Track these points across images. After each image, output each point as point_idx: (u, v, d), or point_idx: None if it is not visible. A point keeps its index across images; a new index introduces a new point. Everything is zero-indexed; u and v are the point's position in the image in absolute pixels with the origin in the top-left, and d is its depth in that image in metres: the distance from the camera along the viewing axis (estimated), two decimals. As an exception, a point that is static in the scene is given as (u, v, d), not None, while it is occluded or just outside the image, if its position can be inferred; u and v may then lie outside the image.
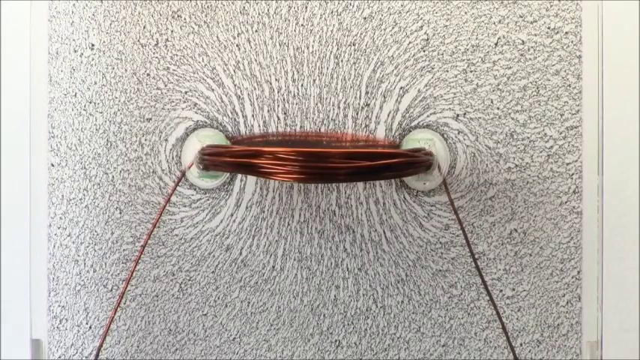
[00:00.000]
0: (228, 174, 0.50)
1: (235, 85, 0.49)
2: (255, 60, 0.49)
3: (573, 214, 0.49)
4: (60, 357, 0.50)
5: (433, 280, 0.50)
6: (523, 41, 0.49)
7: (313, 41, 0.49)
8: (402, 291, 0.50)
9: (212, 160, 0.45)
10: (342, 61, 0.49)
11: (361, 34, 0.49)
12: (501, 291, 0.50)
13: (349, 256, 0.50)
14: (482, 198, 0.49)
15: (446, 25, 0.49)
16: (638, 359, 0.49)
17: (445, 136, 0.49)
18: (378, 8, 0.49)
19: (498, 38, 0.49)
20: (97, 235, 0.50)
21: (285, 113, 0.49)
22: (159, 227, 0.50)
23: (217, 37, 0.49)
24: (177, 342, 0.51)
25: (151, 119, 0.49)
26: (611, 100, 0.48)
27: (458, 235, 0.50)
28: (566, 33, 0.49)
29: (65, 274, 0.50)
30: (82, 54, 0.49)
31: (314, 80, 0.49)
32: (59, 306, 0.50)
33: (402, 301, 0.50)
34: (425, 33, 0.49)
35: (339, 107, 0.49)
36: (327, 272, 0.50)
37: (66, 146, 0.49)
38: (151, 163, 0.50)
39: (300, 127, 0.49)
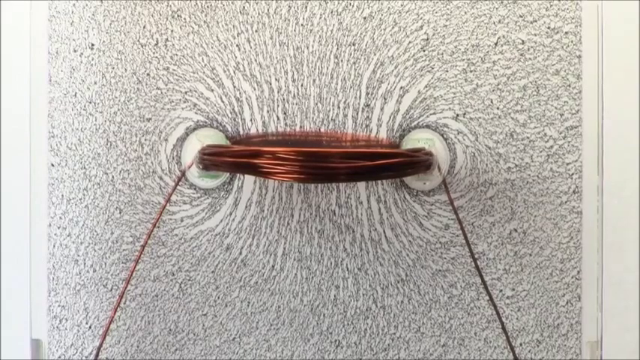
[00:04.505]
0: (228, 174, 0.50)
1: (235, 86, 0.49)
2: (255, 60, 0.49)
3: (573, 214, 0.49)
4: (60, 357, 0.50)
5: (433, 280, 0.50)
6: (523, 41, 0.49)
7: (313, 41, 0.49)
8: (402, 291, 0.50)
9: (212, 160, 0.45)
10: (341, 60, 0.49)
11: (361, 33, 0.49)
12: (501, 291, 0.50)
13: (349, 256, 0.50)
14: (482, 198, 0.49)
15: (446, 25, 0.49)
16: (638, 359, 0.49)
17: (445, 136, 0.49)
18: (377, 8, 0.49)
19: (498, 38, 0.49)
20: (97, 234, 0.50)
21: (285, 113, 0.49)
22: (159, 227, 0.50)
23: (217, 37, 0.49)
24: (177, 342, 0.51)
25: (150, 119, 0.50)
26: (611, 100, 0.48)
27: (458, 235, 0.50)
28: (566, 33, 0.49)
29: (65, 274, 0.50)
30: (82, 54, 0.49)
31: (314, 80, 0.49)
32: (59, 306, 0.50)
33: (402, 301, 0.50)
34: (425, 33, 0.49)
35: (338, 107, 0.49)
36: (326, 272, 0.50)
37: (66, 146, 0.49)
38: (151, 162, 0.50)
39: (300, 126, 0.49)
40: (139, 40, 0.49)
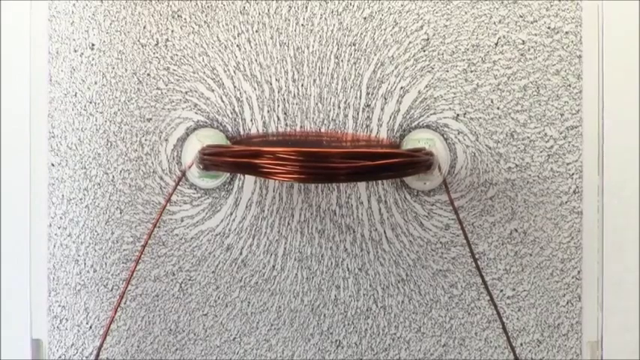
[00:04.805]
0: (229, 174, 0.50)
1: (235, 86, 0.49)
2: (256, 60, 0.49)
3: (573, 214, 0.49)
4: (60, 357, 0.50)
5: (433, 280, 0.50)
6: (523, 41, 0.49)
7: (313, 41, 0.49)
8: (403, 291, 0.50)
9: (212, 160, 0.45)
10: (342, 61, 0.49)
11: (361, 34, 0.49)
12: (502, 291, 0.50)
13: (349, 256, 0.50)
14: (482, 198, 0.49)
15: (446, 25, 0.49)
16: (638, 359, 0.49)
17: (445, 136, 0.49)
18: (378, 8, 0.49)
19: (498, 38, 0.49)
20: (98, 234, 0.50)
21: (285, 113, 0.49)
22: (159, 227, 0.50)
23: (217, 37, 0.49)
24: (178, 342, 0.51)
25: (151, 119, 0.49)
26: (611, 99, 0.48)
27: (458, 235, 0.50)
28: (567, 33, 0.49)
29: (65, 274, 0.50)
30: (82, 54, 0.49)
31: (314, 80, 0.49)
32: (59, 306, 0.50)
33: (403, 301, 0.50)
34: (425, 33, 0.49)
35: (339, 107, 0.49)
36: (327, 272, 0.50)
37: (66, 146, 0.49)
38: (152, 163, 0.50)
39: (301, 127, 0.49)
40: (139, 40, 0.49)
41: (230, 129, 0.50)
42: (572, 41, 0.49)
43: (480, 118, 0.49)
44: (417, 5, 0.49)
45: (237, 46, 0.49)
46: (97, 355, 0.49)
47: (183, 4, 0.49)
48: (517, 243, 0.49)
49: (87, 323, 0.50)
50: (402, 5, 0.49)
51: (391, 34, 0.49)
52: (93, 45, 0.49)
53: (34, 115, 0.49)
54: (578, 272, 0.49)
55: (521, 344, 0.50)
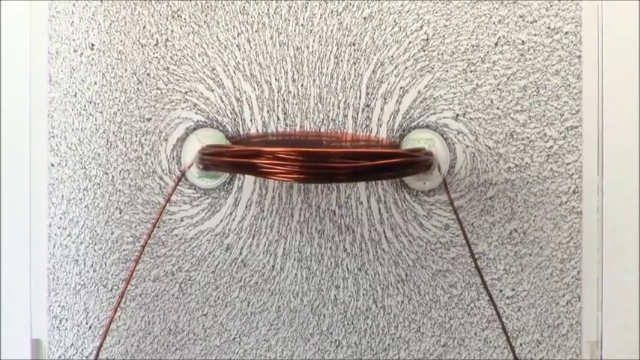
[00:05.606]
0: (228, 174, 0.50)
1: (235, 86, 0.49)
2: (255, 60, 0.49)
3: (573, 214, 0.49)
4: (60, 357, 0.50)
5: (433, 280, 0.50)
6: (523, 41, 0.49)
7: (313, 41, 0.49)
8: (402, 291, 0.50)
9: (212, 160, 0.45)
10: (342, 61, 0.49)
11: (361, 34, 0.49)
12: (501, 291, 0.50)
13: (349, 256, 0.50)
14: (482, 198, 0.49)
15: (446, 25, 0.49)
16: (638, 359, 0.49)
17: (445, 136, 0.49)
18: (378, 8, 0.49)
19: (498, 38, 0.49)
20: (97, 234, 0.50)
21: (285, 113, 0.49)
22: (159, 227, 0.50)
23: (217, 37, 0.49)
24: (177, 342, 0.51)
25: (151, 119, 0.50)
26: (611, 100, 0.48)
27: (458, 235, 0.50)
28: (566, 33, 0.49)
29: (65, 274, 0.50)
30: (82, 54, 0.49)
31: (314, 80, 0.49)
32: (59, 306, 0.50)
33: (402, 301, 0.50)
34: (425, 33, 0.49)
35: (338, 107, 0.49)
36: (327, 272, 0.50)
37: (66, 146, 0.49)
38: (151, 163, 0.50)
39: (300, 127, 0.49)
40: (139, 40, 0.49)
41: (230, 129, 0.50)
42: (572, 41, 0.49)
43: (480, 118, 0.49)
44: (417, 5, 0.49)
45: (237, 46, 0.49)
46: (97, 355, 0.49)
47: (183, 4, 0.49)
48: (517, 243, 0.49)
49: (87, 323, 0.50)
50: (401, 5, 0.49)
51: (391, 34, 0.49)
52: (93, 45, 0.49)
53: (34, 115, 0.49)
54: (578, 272, 0.49)
55: (521, 344, 0.50)
